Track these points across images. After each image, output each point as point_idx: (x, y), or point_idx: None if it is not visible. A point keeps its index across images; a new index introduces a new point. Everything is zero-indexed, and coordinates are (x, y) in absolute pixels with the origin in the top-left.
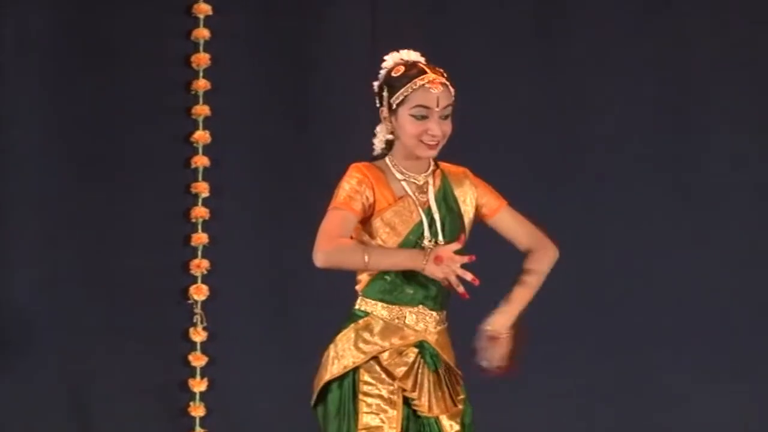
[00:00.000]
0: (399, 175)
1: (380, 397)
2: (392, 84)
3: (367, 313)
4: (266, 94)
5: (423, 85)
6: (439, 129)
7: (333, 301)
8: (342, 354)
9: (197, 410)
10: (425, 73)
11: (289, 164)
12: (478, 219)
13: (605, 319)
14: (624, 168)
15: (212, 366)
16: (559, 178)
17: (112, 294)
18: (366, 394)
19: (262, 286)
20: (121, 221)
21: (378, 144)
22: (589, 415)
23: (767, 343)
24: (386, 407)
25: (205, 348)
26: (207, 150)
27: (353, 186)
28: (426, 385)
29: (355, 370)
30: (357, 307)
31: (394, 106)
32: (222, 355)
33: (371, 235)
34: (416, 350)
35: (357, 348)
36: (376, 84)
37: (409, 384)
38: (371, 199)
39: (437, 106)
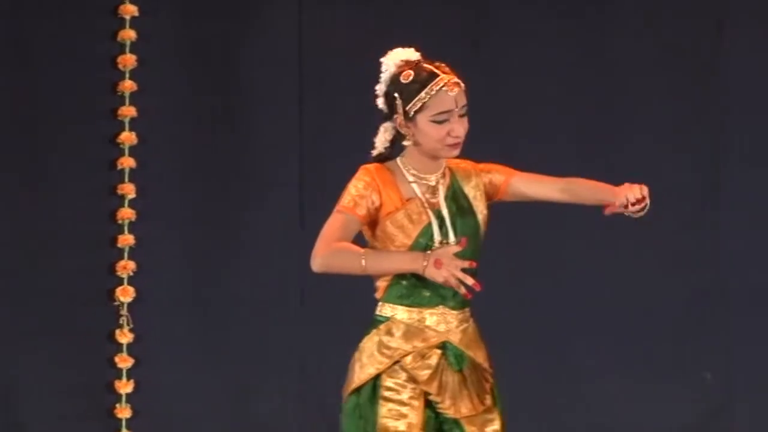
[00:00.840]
0: (410, 177)
1: (401, 402)
2: (404, 90)
3: (387, 318)
4: (193, 95)
5: (440, 89)
6: (461, 129)
7: (258, 302)
8: (366, 361)
9: (123, 412)
10: (437, 75)
11: (215, 165)
12: (496, 199)
13: (526, 318)
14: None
15: (138, 367)
16: None
17: (38, 295)
18: (387, 399)
19: (188, 288)
20: (48, 222)
21: (380, 144)
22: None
23: (688, 343)
24: (407, 412)
25: (132, 349)
26: (133, 151)
27: (360, 190)
28: (450, 386)
29: (377, 375)
30: (378, 312)
31: (412, 114)
32: (148, 356)
33: (383, 239)
34: (439, 352)
35: (381, 353)
36: (381, 89)
37: (433, 387)
38: (377, 203)
39: (456, 106)
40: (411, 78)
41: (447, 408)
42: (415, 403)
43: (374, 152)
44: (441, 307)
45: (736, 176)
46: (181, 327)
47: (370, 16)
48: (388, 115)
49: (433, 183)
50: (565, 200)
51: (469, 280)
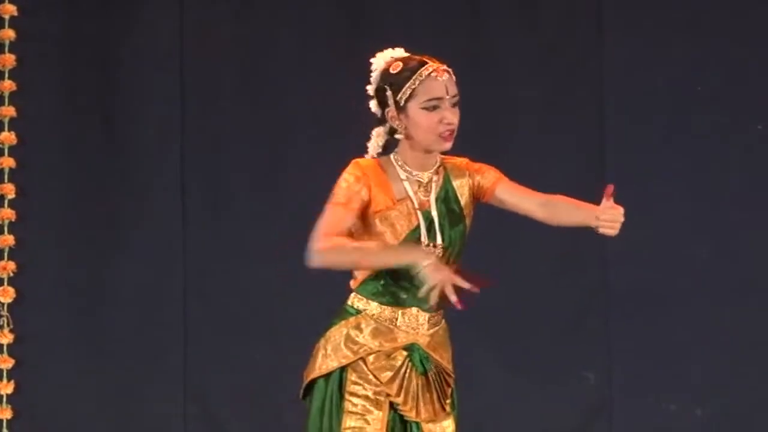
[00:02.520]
0: (402, 174)
1: (366, 398)
2: (394, 81)
3: (358, 311)
4: (73, 95)
5: (429, 74)
6: (454, 116)
7: (141, 302)
8: (331, 352)
9: (4, 413)
10: (425, 63)
11: (96, 165)
12: (481, 199)
13: None
14: None
15: (19, 368)
16: None
17: None
18: (352, 393)
19: (70, 289)
20: None
21: (373, 150)
22: None
23: (569, 344)
24: (372, 408)
25: (12, 351)
26: (13, 151)
27: (350, 184)
28: (413, 389)
29: (343, 368)
30: (350, 303)
31: (402, 103)
32: (29, 357)
33: (370, 234)
34: (405, 353)
35: (347, 347)
36: (371, 87)
37: (394, 389)
38: (366, 199)
39: (447, 93)
40: (400, 68)
41: (408, 411)
42: (381, 398)
43: (367, 156)
44: (416, 309)
45: (617, 176)
46: (63, 328)
47: (252, 16)
48: (381, 117)
49: (425, 180)
50: (544, 218)
51: (467, 285)
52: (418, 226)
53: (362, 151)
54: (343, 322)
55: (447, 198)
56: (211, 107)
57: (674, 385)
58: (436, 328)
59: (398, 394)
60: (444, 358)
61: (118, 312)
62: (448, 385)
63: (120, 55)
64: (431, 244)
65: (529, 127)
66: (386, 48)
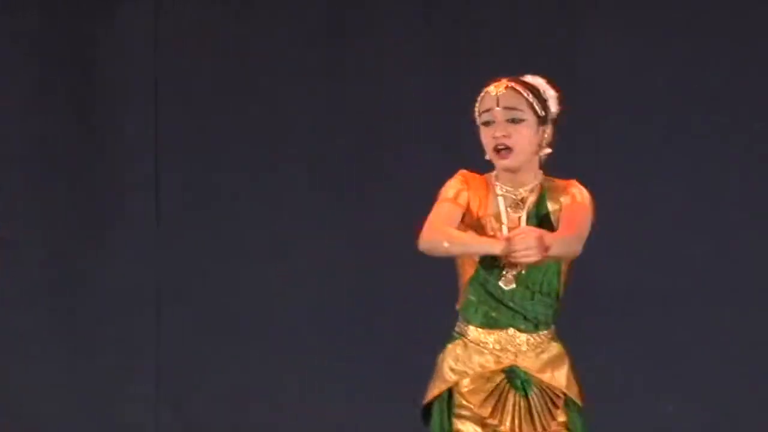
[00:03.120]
0: (499, 190)
1: (472, 419)
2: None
3: (461, 335)
4: (47, 94)
5: (488, 90)
6: (504, 131)
7: (115, 301)
8: (437, 377)
9: None
10: (491, 83)
11: (70, 164)
12: None
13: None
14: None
15: None
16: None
17: None
18: (459, 416)
19: (44, 287)
20: None
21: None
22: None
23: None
24: (480, 429)
25: None
26: None
27: (458, 185)
28: (511, 410)
29: (451, 392)
30: (455, 328)
31: (478, 123)
32: (1, 355)
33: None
34: (502, 375)
35: (450, 371)
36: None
37: (488, 410)
38: (467, 202)
39: (498, 105)
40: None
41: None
42: (488, 421)
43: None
44: (512, 329)
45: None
46: (37, 326)
47: (226, 16)
48: None
49: (518, 197)
50: None
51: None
52: None
53: (339, 150)
54: (449, 346)
55: (539, 216)
56: (186, 107)
57: (673, 384)
58: (540, 349)
59: (493, 416)
60: (555, 379)
61: (92, 310)
62: (556, 407)
63: (94, 54)
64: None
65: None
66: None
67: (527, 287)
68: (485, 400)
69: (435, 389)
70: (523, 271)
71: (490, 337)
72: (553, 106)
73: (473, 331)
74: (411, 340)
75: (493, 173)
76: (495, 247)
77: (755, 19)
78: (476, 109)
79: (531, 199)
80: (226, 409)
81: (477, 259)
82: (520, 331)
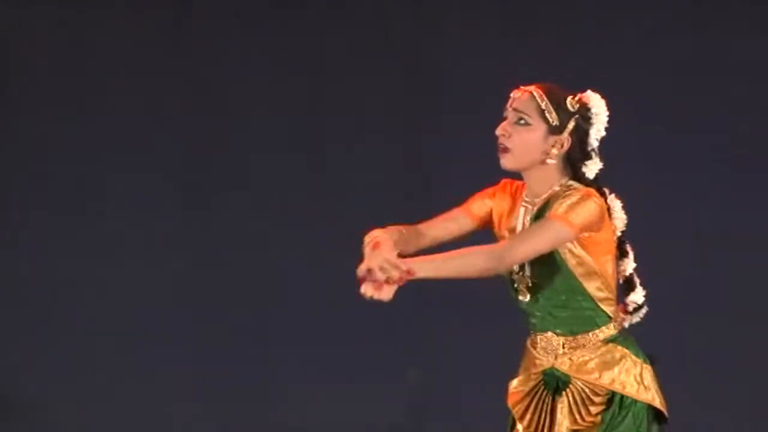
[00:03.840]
0: (526, 199)
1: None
2: None
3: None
4: None
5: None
6: (505, 128)
7: None
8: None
9: None
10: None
11: None
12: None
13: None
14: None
15: None
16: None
17: None
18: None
19: None
20: None
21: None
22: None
23: (391, 343)
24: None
25: None
26: None
27: (486, 193)
28: (544, 409)
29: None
30: None
31: None
32: None
33: None
34: (541, 376)
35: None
36: None
37: (519, 411)
38: (489, 210)
39: (512, 105)
40: None
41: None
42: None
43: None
44: (550, 332)
45: (444, 176)
46: None
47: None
48: None
49: (531, 206)
50: None
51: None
52: None
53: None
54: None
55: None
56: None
57: (489, 383)
58: (579, 351)
59: (522, 416)
60: (602, 378)
61: None
62: (594, 404)
63: None
64: (521, 273)
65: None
66: None
67: (545, 296)
68: (520, 400)
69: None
70: (530, 284)
71: (536, 340)
72: (583, 121)
73: (528, 334)
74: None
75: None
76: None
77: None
78: None
79: (533, 207)
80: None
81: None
82: (556, 335)
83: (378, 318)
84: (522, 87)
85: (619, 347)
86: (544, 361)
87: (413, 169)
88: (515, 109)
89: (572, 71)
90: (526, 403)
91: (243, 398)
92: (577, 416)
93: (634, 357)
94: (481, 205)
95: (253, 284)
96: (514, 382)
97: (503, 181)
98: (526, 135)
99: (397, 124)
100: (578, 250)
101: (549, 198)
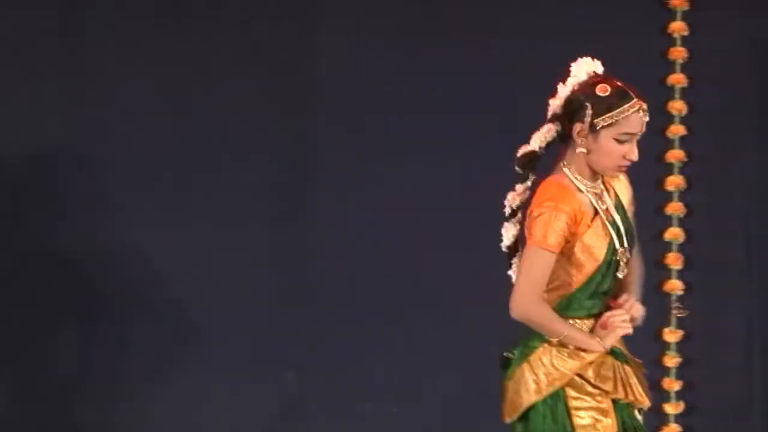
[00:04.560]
0: (582, 187)
1: (593, 408)
2: (599, 103)
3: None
4: None
5: (635, 111)
6: (636, 154)
7: None
8: (543, 375)
9: None
10: (633, 98)
11: None
12: None
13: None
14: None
15: None
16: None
17: None
18: (577, 408)
19: None
20: None
21: (537, 143)
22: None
23: (271, 343)
24: (600, 417)
25: None
26: None
27: (562, 225)
28: (633, 382)
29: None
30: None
31: (598, 127)
32: None
33: (569, 261)
34: (611, 356)
35: (558, 367)
36: (565, 92)
37: (620, 393)
38: (573, 230)
39: (641, 131)
40: (608, 92)
41: (642, 402)
42: (604, 406)
43: (527, 149)
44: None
45: (323, 175)
46: None
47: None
48: (563, 119)
49: (599, 190)
50: None
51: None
52: (611, 241)
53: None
54: (545, 344)
55: (617, 205)
56: None
57: (371, 383)
58: None
59: (626, 395)
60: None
61: None
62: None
63: None
64: (623, 249)
65: (240, 123)
66: None
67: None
68: (614, 385)
69: (550, 385)
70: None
71: (586, 324)
72: None
73: (580, 323)
74: None
75: (565, 170)
76: (597, 348)
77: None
78: (611, 119)
79: (610, 193)
80: None
81: (600, 258)
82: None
83: (254, 320)
84: (644, 105)
85: None
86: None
87: (293, 168)
88: (642, 133)
89: (448, 73)
90: (620, 382)
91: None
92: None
93: None
94: (563, 240)
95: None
96: (590, 372)
97: (554, 196)
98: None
99: (277, 125)
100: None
101: (604, 181)
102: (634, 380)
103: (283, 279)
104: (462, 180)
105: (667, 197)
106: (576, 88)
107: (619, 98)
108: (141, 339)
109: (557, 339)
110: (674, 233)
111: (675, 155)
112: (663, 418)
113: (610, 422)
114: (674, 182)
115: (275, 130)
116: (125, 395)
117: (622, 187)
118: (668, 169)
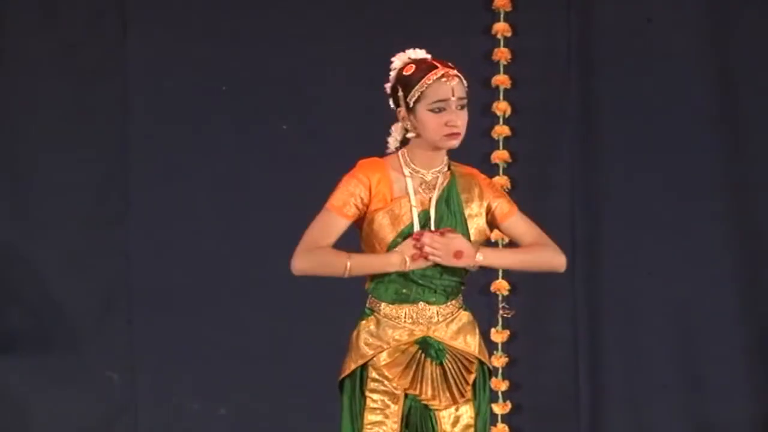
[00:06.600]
0: (407, 170)
1: (384, 392)
2: (406, 83)
3: (372, 311)
4: None
5: (437, 79)
6: (459, 119)
7: None
8: (352, 353)
9: None
10: (436, 67)
11: None
12: (491, 223)
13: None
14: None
15: None
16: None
17: None
18: (372, 390)
19: None
20: None
21: (393, 143)
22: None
23: (93, 344)
24: (389, 402)
25: None
26: None
27: (350, 189)
28: (430, 379)
29: (364, 366)
30: (367, 305)
31: (411, 104)
32: None
33: (368, 235)
34: (416, 347)
35: (364, 346)
36: (388, 85)
37: (407, 381)
38: (366, 200)
39: (453, 96)
40: (412, 70)
41: (429, 399)
42: (397, 392)
43: (388, 152)
44: (422, 303)
45: (141, 174)
46: None
47: None
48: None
49: (429, 178)
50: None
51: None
52: (410, 225)
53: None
54: (362, 323)
55: (449, 202)
56: None
57: (198, 384)
58: (452, 318)
59: (413, 387)
60: (469, 345)
61: None
62: (470, 372)
63: None
64: None
65: (53, 125)
66: None
67: (436, 265)
68: (403, 371)
69: (351, 363)
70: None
71: (401, 312)
72: None
73: (385, 308)
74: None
75: (400, 153)
76: (392, 265)
77: None
78: (417, 92)
79: (442, 185)
80: None
81: (388, 242)
82: (429, 303)
83: (76, 322)
84: (449, 71)
85: (468, 311)
86: (416, 331)
87: (108, 169)
88: (460, 98)
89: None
90: (411, 373)
91: None
92: (458, 389)
93: (473, 318)
94: (352, 207)
95: None
96: (383, 356)
97: (361, 163)
98: (466, 117)
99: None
100: (477, 237)
101: (451, 173)
102: (438, 381)
103: (101, 277)
104: (287, 180)
105: None
106: (393, 77)
107: (422, 71)
108: None
109: (348, 273)
110: (499, 234)
111: (500, 156)
112: (491, 419)
113: (396, 409)
114: (499, 183)
115: (88, 131)
116: None
117: (473, 196)
118: (494, 170)
